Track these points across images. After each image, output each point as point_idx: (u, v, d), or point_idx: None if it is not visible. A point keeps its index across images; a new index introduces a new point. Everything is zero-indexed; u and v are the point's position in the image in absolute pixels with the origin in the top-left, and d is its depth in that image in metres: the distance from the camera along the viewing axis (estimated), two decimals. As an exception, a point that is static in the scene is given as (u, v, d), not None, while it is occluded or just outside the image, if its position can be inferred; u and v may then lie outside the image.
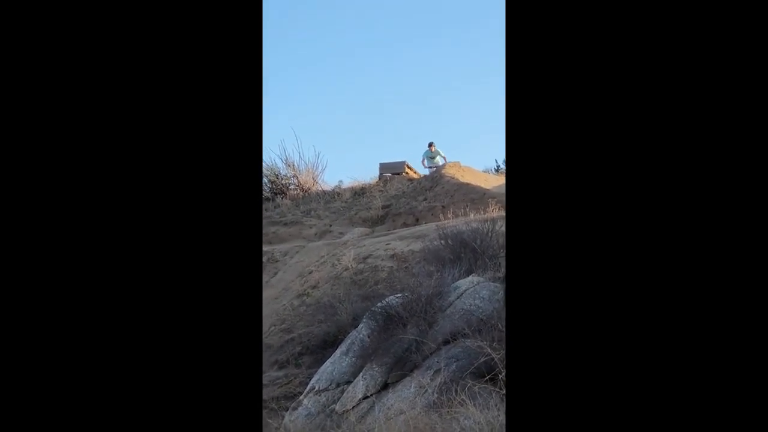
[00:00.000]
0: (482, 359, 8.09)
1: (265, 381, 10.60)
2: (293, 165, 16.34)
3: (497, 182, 17.72)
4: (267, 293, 12.99)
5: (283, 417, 9.40)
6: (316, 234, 15.58)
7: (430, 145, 17.93)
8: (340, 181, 17.65)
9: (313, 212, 16.90)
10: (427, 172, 17.96)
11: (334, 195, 17.55)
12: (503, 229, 12.38)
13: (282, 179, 17.23)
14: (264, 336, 11.65)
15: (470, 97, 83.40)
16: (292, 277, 13.34)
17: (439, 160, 17.55)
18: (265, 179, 17.94)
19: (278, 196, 17.38)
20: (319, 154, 21.41)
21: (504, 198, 16.19)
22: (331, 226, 15.91)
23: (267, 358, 11.39)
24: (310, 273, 13.45)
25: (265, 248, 15.15)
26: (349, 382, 9.59)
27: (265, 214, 17.18)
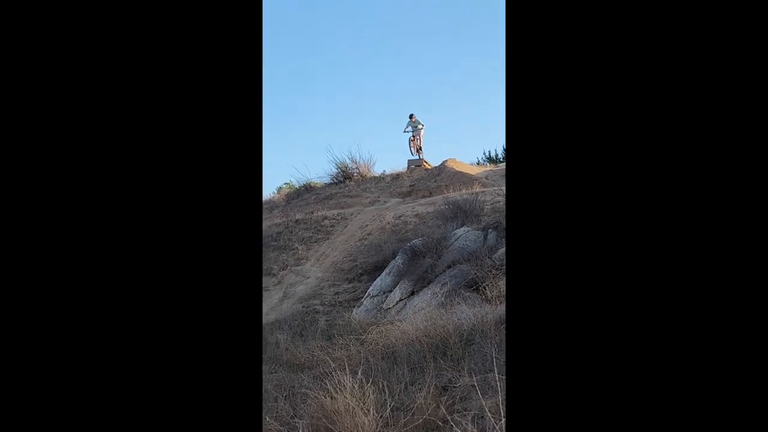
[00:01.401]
0: (470, 277, 8.62)
1: (340, 290, 10.89)
2: (355, 160, 16.84)
3: (480, 170, 17.91)
4: (341, 238, 13.37)
5: (351, 311, 9.59)
6: (369, 202, 15.83)
7: (411, 116, 16.38)
8: (384, 171, 17.87)
9: (367, 189, 17.14)
10: (410, 135, 16.10)
11: (380, 178, 17.71)
12: (483, 197, 12.90)
13: (349, 169, 17.56)
14: (339, 263, 12.02)
15: (468, 97, 63.47)
16: (355, 229, 13.66)
17: (418, 126, 16.14)
18: (337, 169, 18.09)
19: (346, 180, 17.70)
20: (371, 154, 22.30)
21: (484, 180, 16.48)
22: (378, 197, 16.19)
23: (341, 276, 11.55)
24: (366, 226, 13.66)
25: (337, 211, 15.31)
26: (390, 291, 9.81)
27: (337, 190, 17.44)
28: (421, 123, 15.75)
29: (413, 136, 15.23)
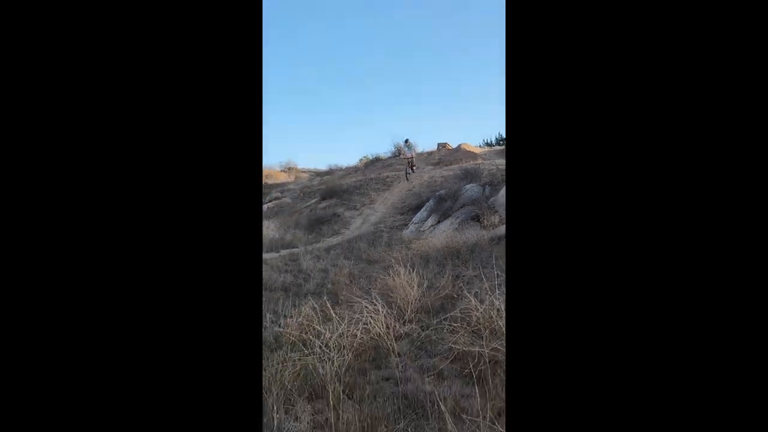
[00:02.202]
0: (473, 213, 9.12)
1: (396, 219, 11.20)
2: (408, 142, 17.21)
3: (481, 150, 17.92)
4: (396, 189, 13.62)
5: (402, 231, 10.00)
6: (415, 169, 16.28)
7: (406, 141, 14.04)
8: (423, 150, 18.33)
9: (400, 163, 17.64)
10: (409, 153, 13.71)
11: (420, 154, 18.13)
12: (483, 167, 12.66)
13: (400, 150, 18.31)
14: (395, 204, 12.37)
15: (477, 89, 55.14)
16: (405, 184, 14.01)
17: (413, 148, 13.69)
18: (394, 148, 18.74)
19: (400, 154, 18.41)
20: (416, 138, 22.02)
21: (484, 156, 15.99)
22: (419, 167, 16.58)
23: (396, 211, 11.83)
24: (411, 182, 13.89)
25: (395, 173, 15.30)
26: (425, 220, 10.26)
27: (395, 161, 17.60)
28: (415, 146, 13.77)
29: (409, 155, 13.42)
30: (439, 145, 18.81)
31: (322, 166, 22.12)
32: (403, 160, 13.67)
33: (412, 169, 13.60)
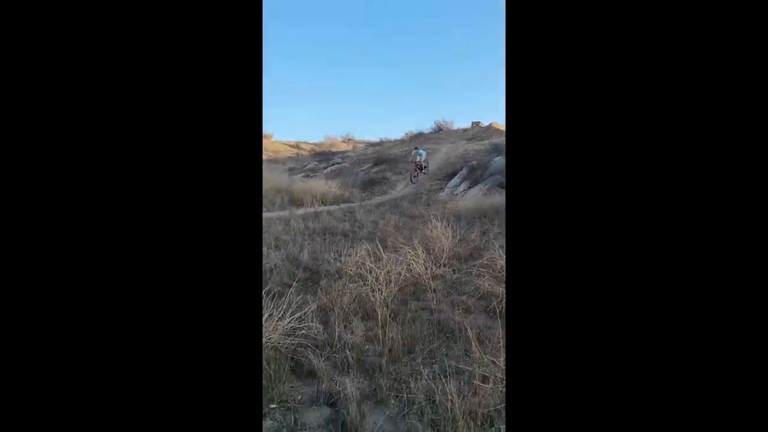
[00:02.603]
0: (499, 181, 8.91)
1: (434, 184, 11.00)
2: (444, 122, 16.64)
3: None
4: (435, 159, 13.36)
5: (439, 194, 9.88)
6: (450, 142, 15.58)
7: (416, 148, 12.53)
8: (459, 127, 17.80)
9: (449, 135, 17.14)
10: (421, 157, 11.89)
11: (455, 130, 17.67)
12: None
13: (441, 125, 17.83)
14: (434, 171, 12.12)
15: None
16: (443, 155, 13.80)
17: (422, 155, 11.90)
18: (435, 125, 18.44)
19: (440, 130, 17.97)
20: (452, 117, 21.54)
21: None
22: (455, 140, 16.07)
23: (434, 177, 11.61)
24: (448, 154, 13.76)
25: (435, 146, 14.97)
26: (458, 186, 10.11)
27: (435, 136, 17.45)
28: (423, 153, 12.05)
29: (418, 161, 11.79)
30: (473, 123, 18.22)
31: (375, 138, 22.09)
32: (410, 163, 11.98)
33: (422, 170, 11.67)
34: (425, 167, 11.92)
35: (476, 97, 51.79)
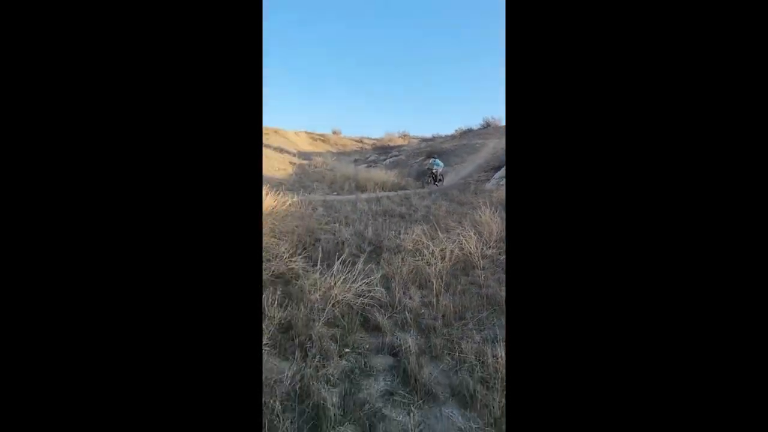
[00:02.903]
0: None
1: (481, 175, 10.45)
2: (492, 118, 15.73)
3: None
4: (482, 153, 12.77)
5: (485, 184, 9.31)
6: (496, 137, 15.09)
7: (435, 157, 10.99)
8: (503, 124, 16.79)
9: (496, 132, 16.29)
10: (438, 168, 10.21)
11: (503, 127, 16.71)
12: None
13: (488, 122, 16.92)
14: (480, 164, 11.57)
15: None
16: (489, 149, 13.13)
17: (440, 166, 10.34)
18: (484, 121, 17.46)
19: (488, 126, 17.08)
20: (498, 114, 20.43)
21: None
22: (501, 137, 15.34)
23: (481, 170, 11.11)
24: (494, 148, 13.04)
25: (482, 141, 14.22)
26: (504, 177, 9.33)
27: (483, 131, 16.56)
28: (441, 162, 10.47)
29: (435, 171, 10.18)
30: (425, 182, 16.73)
31: (428, 134, 21.78)
32: (427, 171, 10.47)
33: (435, 182, 9.95)
34: (440, 180, 9.86)
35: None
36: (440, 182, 9.84)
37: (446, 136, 19.45)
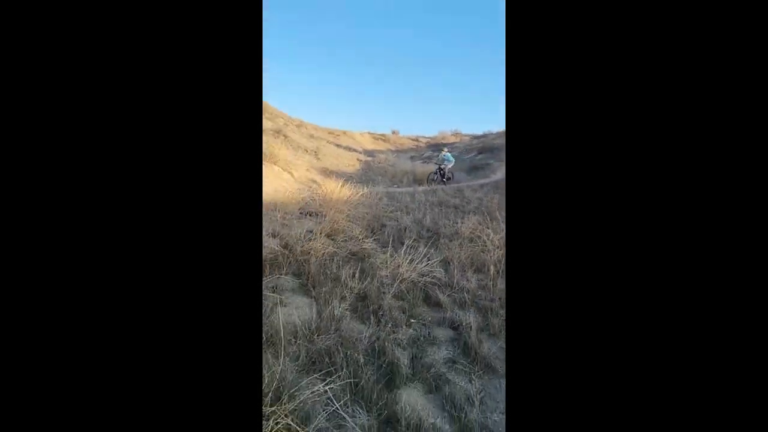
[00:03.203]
0: None
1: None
2: (445, 151, 13.61)
3: None
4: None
5: None
6: None
7: (447, 150, 9.01)
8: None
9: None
10: (448, 163, 8.35)
11: None
12: None
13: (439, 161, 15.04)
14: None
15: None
16: None
17: (450, 161, 8.31)
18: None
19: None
20: None
21: None
22: (451, 178, 13.71)
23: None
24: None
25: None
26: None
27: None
28: (452, 158, 8.51)
29: (443, 166, 8.27)
30: (430, 178, 14.54)
31: (479, 132, 20.61)
32: (434, 165, 8.66)
33: (443, 178, 7.98)
34: (448, 177, 7.91)
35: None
36: (449, 180, 7.89)
37: (497, 133, 18.18)
